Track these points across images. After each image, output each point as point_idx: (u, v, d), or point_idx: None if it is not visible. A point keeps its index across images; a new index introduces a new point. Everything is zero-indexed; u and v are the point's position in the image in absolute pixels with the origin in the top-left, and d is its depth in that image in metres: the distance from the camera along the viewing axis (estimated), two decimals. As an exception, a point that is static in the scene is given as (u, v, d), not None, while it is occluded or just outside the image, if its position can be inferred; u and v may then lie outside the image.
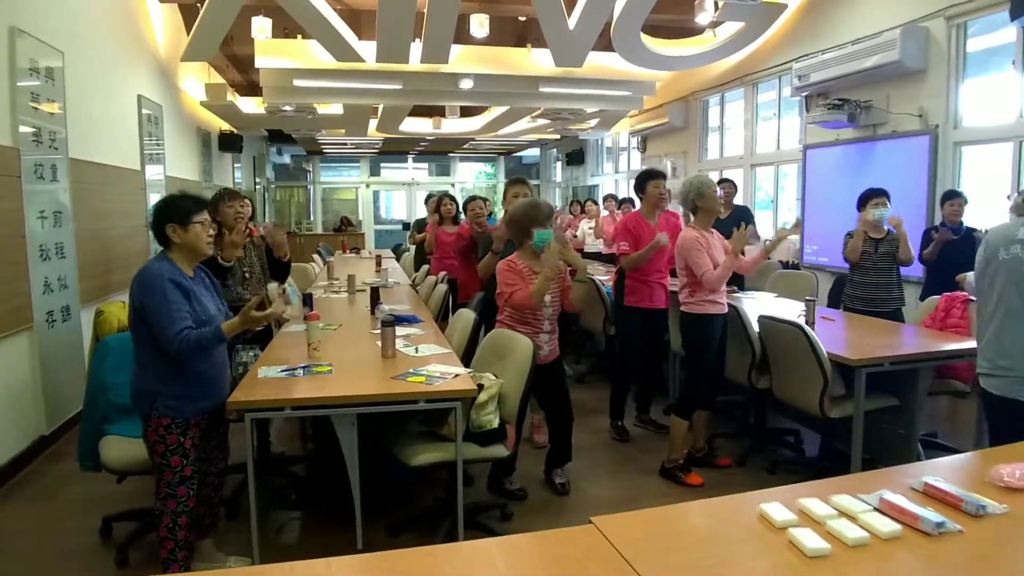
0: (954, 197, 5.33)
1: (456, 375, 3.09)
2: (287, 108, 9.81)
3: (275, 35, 7.72)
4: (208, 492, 2.93)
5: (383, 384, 3.02)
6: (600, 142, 14.81)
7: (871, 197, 4.57)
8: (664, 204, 4.49)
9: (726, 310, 3.82)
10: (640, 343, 4.60)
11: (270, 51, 8.00)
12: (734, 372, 3.99)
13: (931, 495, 1.75)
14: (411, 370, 3.15)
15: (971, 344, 3.71)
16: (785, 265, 7.57)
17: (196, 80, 9.59)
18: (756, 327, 3.89)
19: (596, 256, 8.46)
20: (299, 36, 7.88)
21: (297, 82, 8.41)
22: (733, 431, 4.64)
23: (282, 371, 3.13)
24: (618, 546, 1.51)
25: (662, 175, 4.53)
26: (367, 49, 7.47)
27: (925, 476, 1.81)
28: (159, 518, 2.69)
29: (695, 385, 3.94)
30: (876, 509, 1.65)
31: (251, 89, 11.04)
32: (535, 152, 19.11)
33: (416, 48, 7.51)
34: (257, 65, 8.17)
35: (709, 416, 4.09)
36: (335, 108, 10.78)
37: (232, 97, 10.23)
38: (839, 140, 7.26)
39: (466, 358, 3.61)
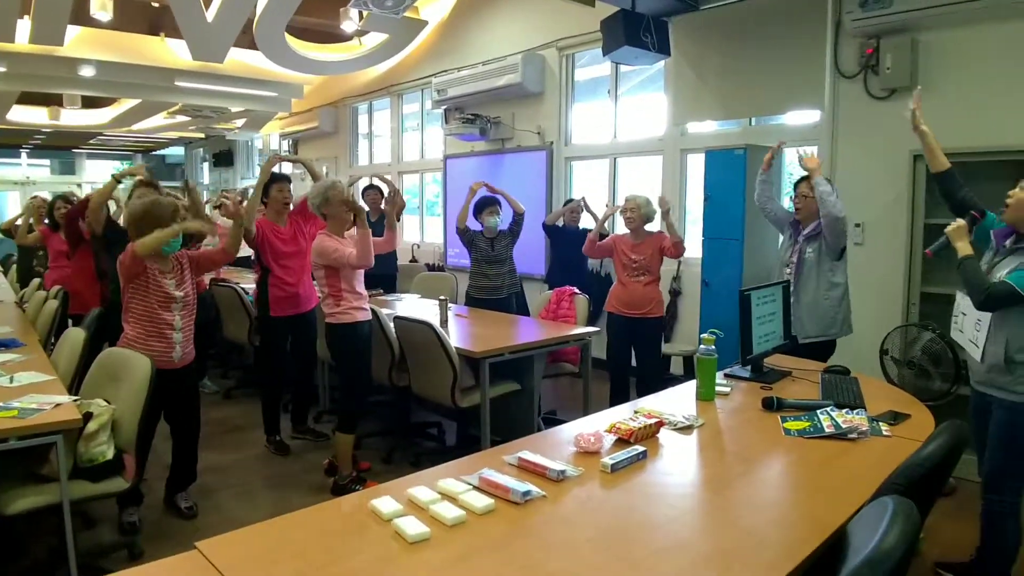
0: (571, 203, 6.12)
1: (57, 405, 2.71)
2: None
3: None
4: None
5: (-42, 423, 2.52)
6: (250, 143, 14.14)
7: (486, 206, 5.08)
8: (288, 208, 4.41)
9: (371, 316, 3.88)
10: (289, 352, 4.48)
11: None
12: (376, 372, 4.09)
13: (524, 468, 1.98)
14: (1, 403, 2.68)
15: (578, 330, 4.31)
16: (430, 268, 8.01)
17: None
18: (393, 328, 4.03)
19: (245, 262, 8.02)
20: None
21: None
22: (380, 430, 4.74)
23: None
24: (222, 568, 1.44)
25: (286, 178, 4.49)
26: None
27: (521, 451, 2.04)
28: None
29: (355, 396, 3.84)
30: (476, 488, 1.81)
31: None
32: (179, 151, 17.57)
33: (24, 26, 6.41)
34: None
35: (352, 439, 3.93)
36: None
37: None
38: (474, 151, 7.90)
39: (79, 384, 3.19)
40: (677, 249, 4.47)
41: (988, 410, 2.62)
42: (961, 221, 2.63)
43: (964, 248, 2.56)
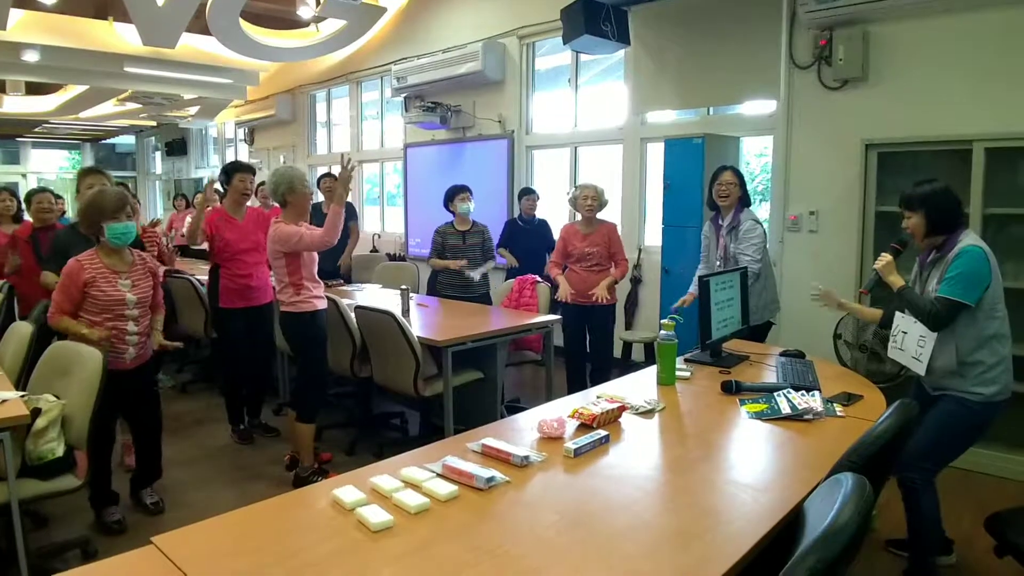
0: (529, 194, 6.12)
1: (3, 401, 2.62)
2: None
3: None
4: None
5: None
6: (204, 132, 13.82)
7: (457, 193, 4.98)
8: (248, 199, 4.34)
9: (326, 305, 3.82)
10: (245, 345, 4.40)
11: None
12: (337, 363, 4.05)
13: (488, 454, 1.98)
14: (-57, 400, 2.59)
15: (540, 318, 4.32)
16: (391, 257, 7.95)
17: None
18: (354, 317, 3.99)
19: (200, 254, 7.86)
20: None
21: None
22: (342, 421, 4.70)
23: None
24: (179, 563, 1.41)
25: (250, 169, 4.39)
26: None
27: (485, 438, 2.04)
28: None
29: (314, 385, 3.78)
30: (439, 475, 1.81)
31: None
32: (130, 140, 17.09)
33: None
34: None
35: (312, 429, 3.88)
36: None
37: None
38: (435, 140, 7.85)
39: (27, 379, 3.08)
40: (621, 272, 4.58)
41: (929, 400, 2.69)
42: (888, 256, 2.74)
43: (896, 281, 2.69)
